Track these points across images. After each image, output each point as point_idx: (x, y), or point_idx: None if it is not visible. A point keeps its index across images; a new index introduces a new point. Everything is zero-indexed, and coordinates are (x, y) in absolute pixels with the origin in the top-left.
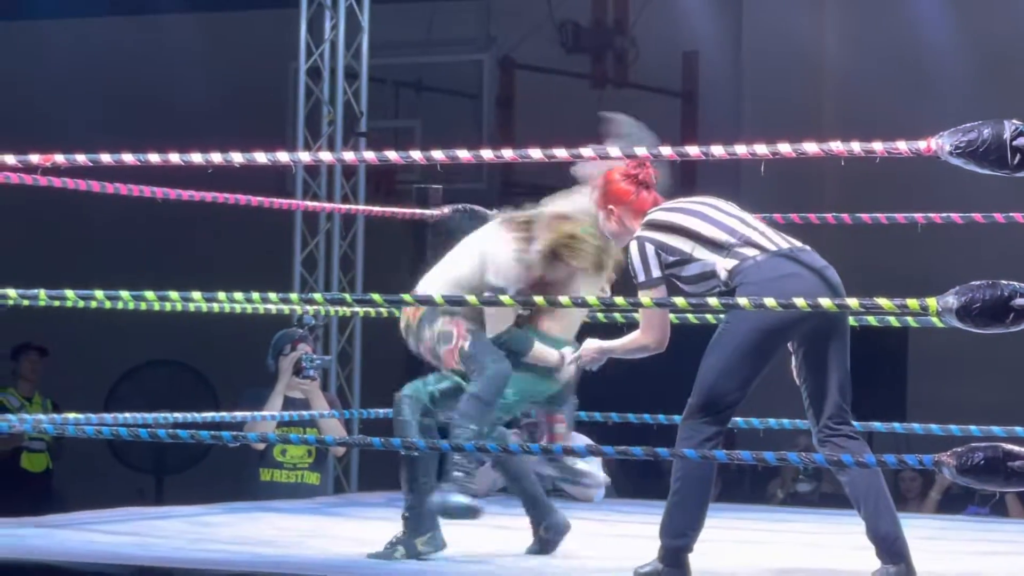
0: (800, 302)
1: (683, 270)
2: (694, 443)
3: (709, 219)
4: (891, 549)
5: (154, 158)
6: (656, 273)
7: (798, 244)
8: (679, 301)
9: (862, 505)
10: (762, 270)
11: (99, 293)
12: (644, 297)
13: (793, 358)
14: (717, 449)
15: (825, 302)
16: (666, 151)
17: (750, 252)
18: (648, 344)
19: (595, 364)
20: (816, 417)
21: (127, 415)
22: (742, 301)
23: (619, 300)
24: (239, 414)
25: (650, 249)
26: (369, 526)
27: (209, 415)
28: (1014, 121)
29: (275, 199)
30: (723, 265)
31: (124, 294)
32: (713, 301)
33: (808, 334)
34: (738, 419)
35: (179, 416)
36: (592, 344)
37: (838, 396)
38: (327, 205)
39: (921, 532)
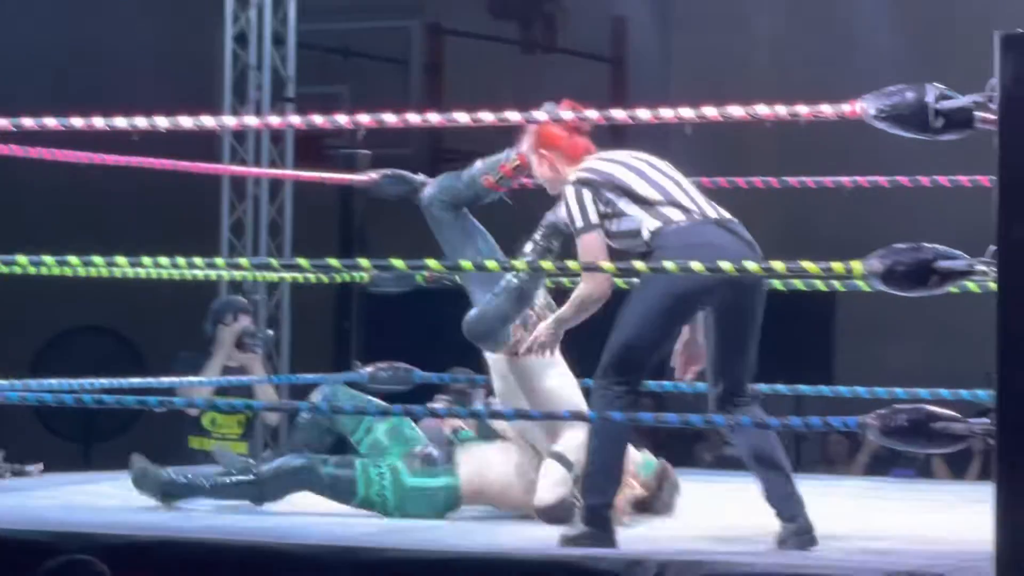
0: (727, 265)
1: (611, 224)
2: (606, 403)
3: (643, 175)
4: (785, 510)
5: (77, 122)
6: (594, 219)
7: (727, 215)
8: (606, 266)
9: (755, 468)
10: (683, 236)
11: (21, 258)
12: (583, 243)
13: (703, 323)
14: (630, 409)
15: (752, 266)
16: (593, 115)
17: (675, 216)
18: (593, 293)
19: (553, 344)
20: (715, 384)
21: (53, 381)
22: (669, 265)
23: (573, 264)
24: (167, 380)
25: (586, 195)
26: None
27: (137, 381)
28: (936, 85)
29: (201, 164)
30: (647, 225)
31: (48, 259)
32: (639, 265)
33: (721, 304)
34: (665, 383)
35: (106, 382)
36: (542, 325)
37: (740, 369)
38: (254, 170)
39: (848, 494)
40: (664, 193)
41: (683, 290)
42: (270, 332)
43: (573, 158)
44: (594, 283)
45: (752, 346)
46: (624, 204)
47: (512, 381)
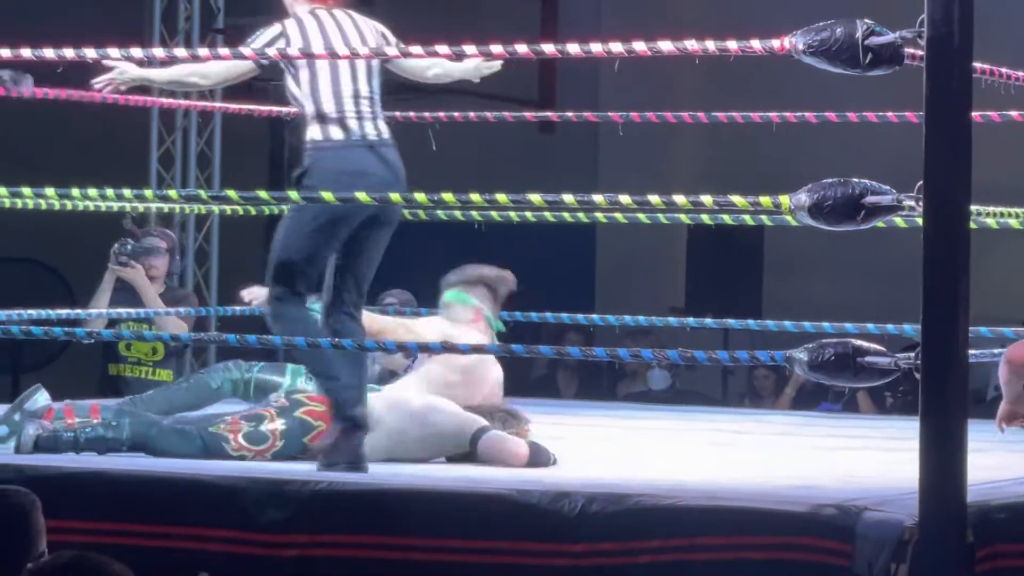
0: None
1: (288, 79)
2: (289, 325)
3: (335, 71)
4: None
5: (5, 53)
6: (255, 46)
7: (384, 135)
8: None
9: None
10: (338, 161)
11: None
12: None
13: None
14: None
15: (680, 199)
16: (523, 49)
17: (336, 134)
18: (204, 74)
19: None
20: (335, 292)
21: None
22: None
23: None
24: (94, 311)
25: (274, 35)
26: None
27: (64, 312)
28: (866, 20)
29: (130, 96)
30: (312, 129)
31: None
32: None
33: (362, 222)
34: (595, 316)
35: (33, 313)
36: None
37: (362, 282)
38: (184, 103)
39: (774, 428)
40: (338, 103)
41: (335, 214)
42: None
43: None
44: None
45: (378, 260)
46: (305, 86)
47: None
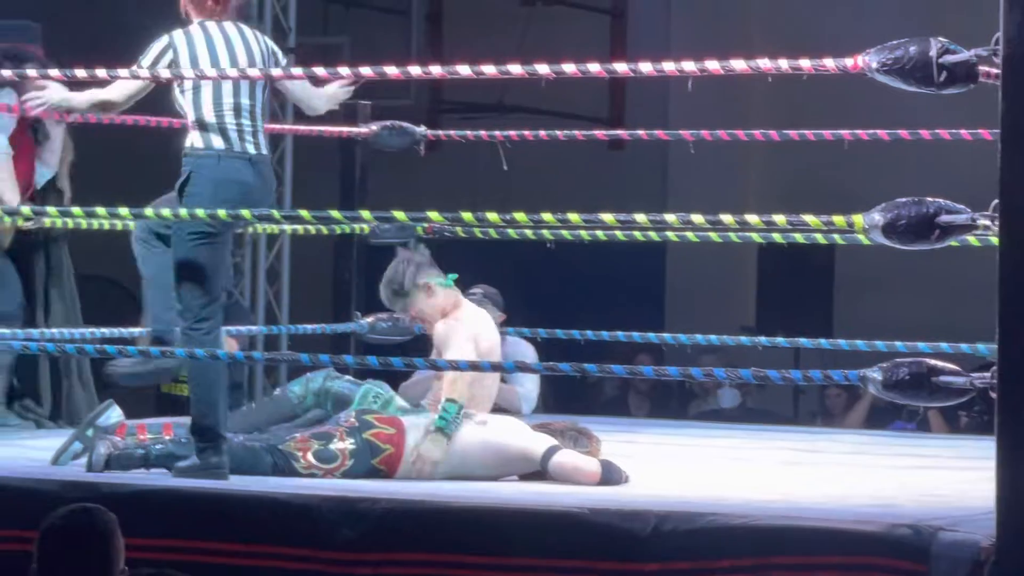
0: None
1: (175, 95)
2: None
3: (218, 83)
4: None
5: (81, 73)
6: (146, 69)
7: (264, 153)
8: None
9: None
10: (218, 170)
11: (26, 209)
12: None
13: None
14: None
15: (753, 219)
16: (594, 68)
17: (216, 143)
18: (112, 99)
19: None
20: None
21: (54, 331)
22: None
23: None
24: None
25: (162, 48)
26: None
27: (136, 331)
28: (940, 39)
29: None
30: (193, 137)
31: (51, 210)
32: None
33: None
34: (666, 335)
35: (107, 331)
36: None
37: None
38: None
39: (846, 447)
40: (219, 116)
41: (213, 226)
42: None
43: (204, 12)
44: (115, 92)
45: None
46: (187, 95)
47: None
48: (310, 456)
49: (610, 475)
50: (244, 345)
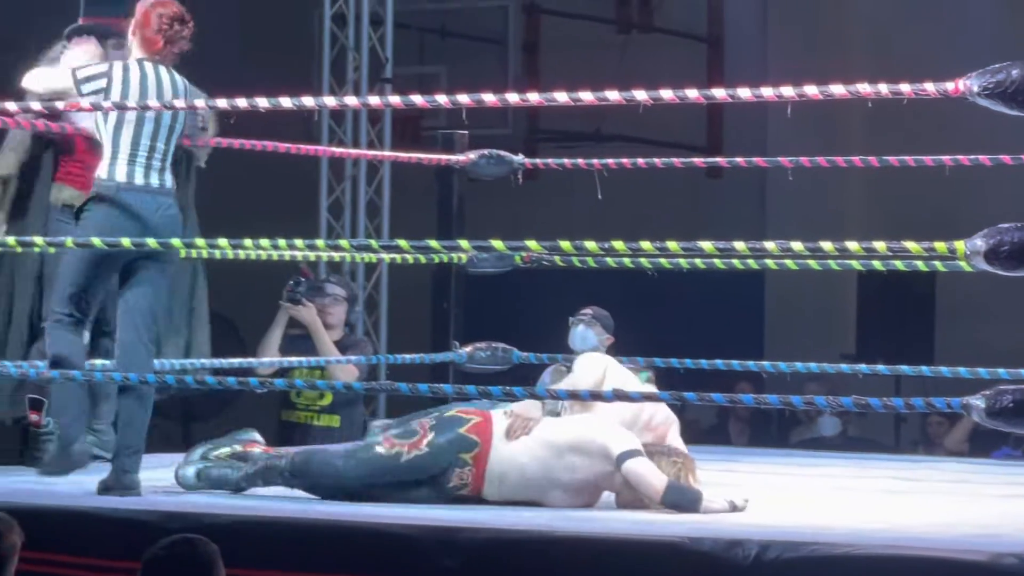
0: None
1: (96, 119)
2: (56, 345)
3: (139, 125)
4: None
5: (179, 104)
6: (77, 76)
7: (168, 187)
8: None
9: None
10: (117, 199)
11: (125, 241)
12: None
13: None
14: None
15: (854, 246)
16: (692, 94)
17: (120, 176)
18: (34, 91)
19: None
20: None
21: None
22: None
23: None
24: (267, 360)
25: (101, 74)
26: None
27: (237, 361)
28: None
29: (301, 145)
30: (102, 167)
31: (150, 241)
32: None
33: (134, 258)
34: (765, 363)
35: (206, 362)
36: None
37: (139, 311)
38: (353, 152)
39: (949, 475)
40: (132, 153)
41: (97, 253)
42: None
43: (145, 49)
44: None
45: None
46: (108, 127)
47: None
48: (391, 435)
49: (678, 496)
50: (364, 374)
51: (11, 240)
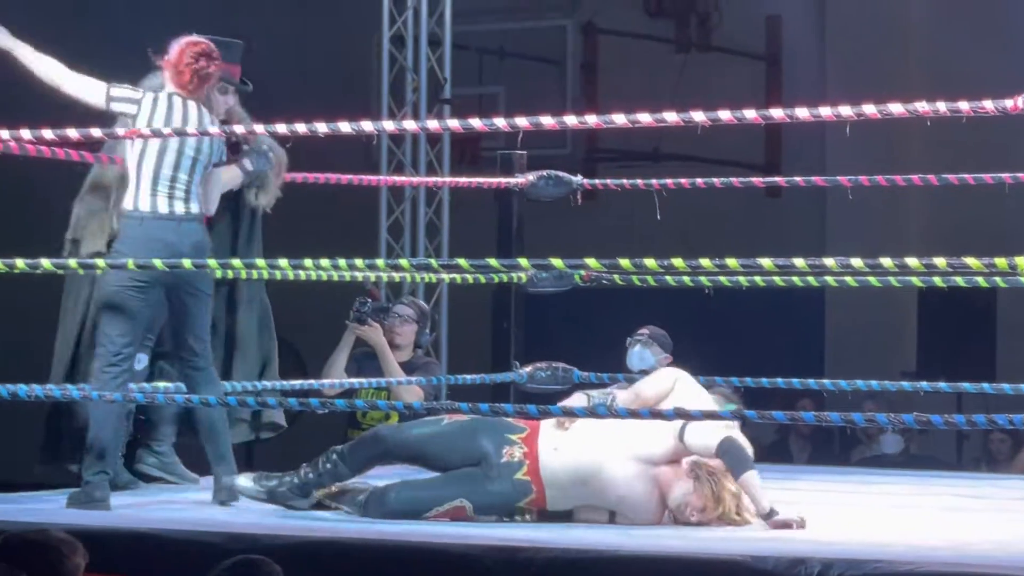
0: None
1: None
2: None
3: (161, 155)
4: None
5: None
6: (113, 94)
7: (194, 212)
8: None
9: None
10: (144, 229)
11: (186, 262)
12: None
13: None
14: (123, 382)
15: (914, 262)
16: (751, 114)
17: (143, 205)
18: (65, 91)
19: None
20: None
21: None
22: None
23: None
24: (327, 381)
25: (133, 99)
26: None
27: (298, 382)
28: None
29: (361, 176)
30: (128, 199)
31: (211, 262)
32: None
33: (169, 288)
34: (826, 381)
35: (268, 384)
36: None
37: (186, 336)
38: (412, 180)
39: (1012, 493)
40: (155, 183)
41: (134, 281)
42: (388, 304)
43: (174, 83)
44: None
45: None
46: (133, 154)
47: None
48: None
49: (733, 449)
50: (430, 395)
51: (463, 262)
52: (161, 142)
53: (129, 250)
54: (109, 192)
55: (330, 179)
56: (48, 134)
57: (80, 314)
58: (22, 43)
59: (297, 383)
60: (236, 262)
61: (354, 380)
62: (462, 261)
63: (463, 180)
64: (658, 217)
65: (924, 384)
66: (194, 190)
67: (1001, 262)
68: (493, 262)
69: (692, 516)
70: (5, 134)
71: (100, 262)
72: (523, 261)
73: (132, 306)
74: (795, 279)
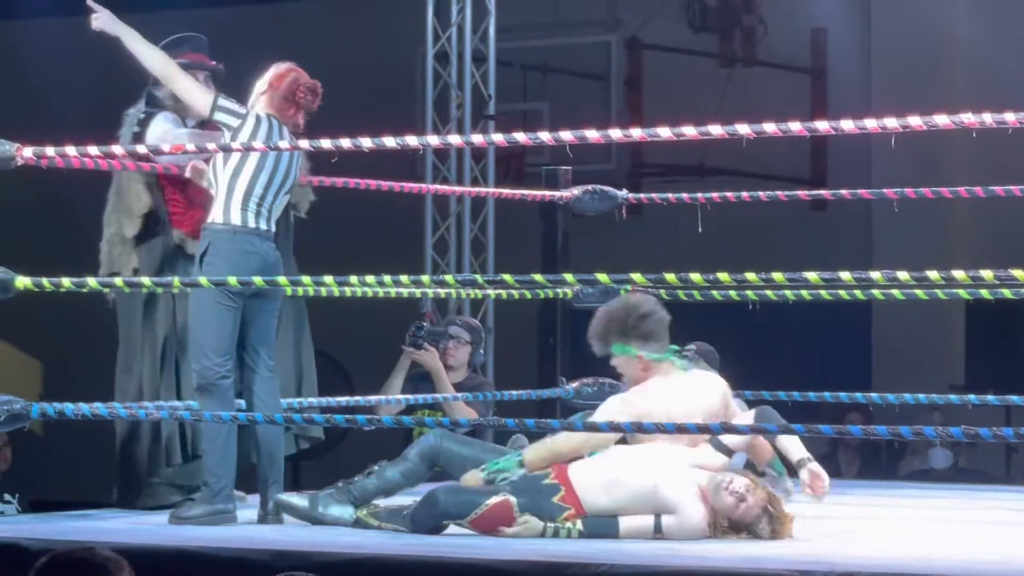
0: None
1: (215, 161)
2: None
3: (256, 175)
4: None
5: (284, 144)
6: (215, 111)
7: (272, 231)
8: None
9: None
10: (232, 241)
11: (232, 279)
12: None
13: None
14: (230, 386)
15: (960, 275)
16: (795, 126)
17: (235, 220)
18: (172, 83)
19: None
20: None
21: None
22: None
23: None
24: (373, 398)
25: (239, 113)
26: None
27: (344, 399)
28: None
29: (405, 183)
30: (215, 212)
31: (257, 280)
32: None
33: (249, 296)
34: (873, 394)
35: (314, 401)
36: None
37: (257, 345)
38: (457, 188)
39: None
40: (245, 201)
41: (225, 290)
42: (442, 329)
43: (273, 108)
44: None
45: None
46: (227, 171)
47: None
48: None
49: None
50: (483, 413)
51: (509, 278)
52: (258, 161)
53: (223, 261)
54: (133, 217)
55: (370, 185)
56: (94, 150)
57: (160, 336)
58: (131, 30)
59: (343, 399)
60: (282, 280)
61: (403, 397)
62: (507, 277)
63: (507, 192)
64: (699, 230)
65: (972, 397)
66: (273, 212)
67: None
68: (539, 277)
69: (729, 499)
70: (51, 151)
71: (176, 281)
72: (569, 276)
73: (228, 316)
74: (841, 292)
